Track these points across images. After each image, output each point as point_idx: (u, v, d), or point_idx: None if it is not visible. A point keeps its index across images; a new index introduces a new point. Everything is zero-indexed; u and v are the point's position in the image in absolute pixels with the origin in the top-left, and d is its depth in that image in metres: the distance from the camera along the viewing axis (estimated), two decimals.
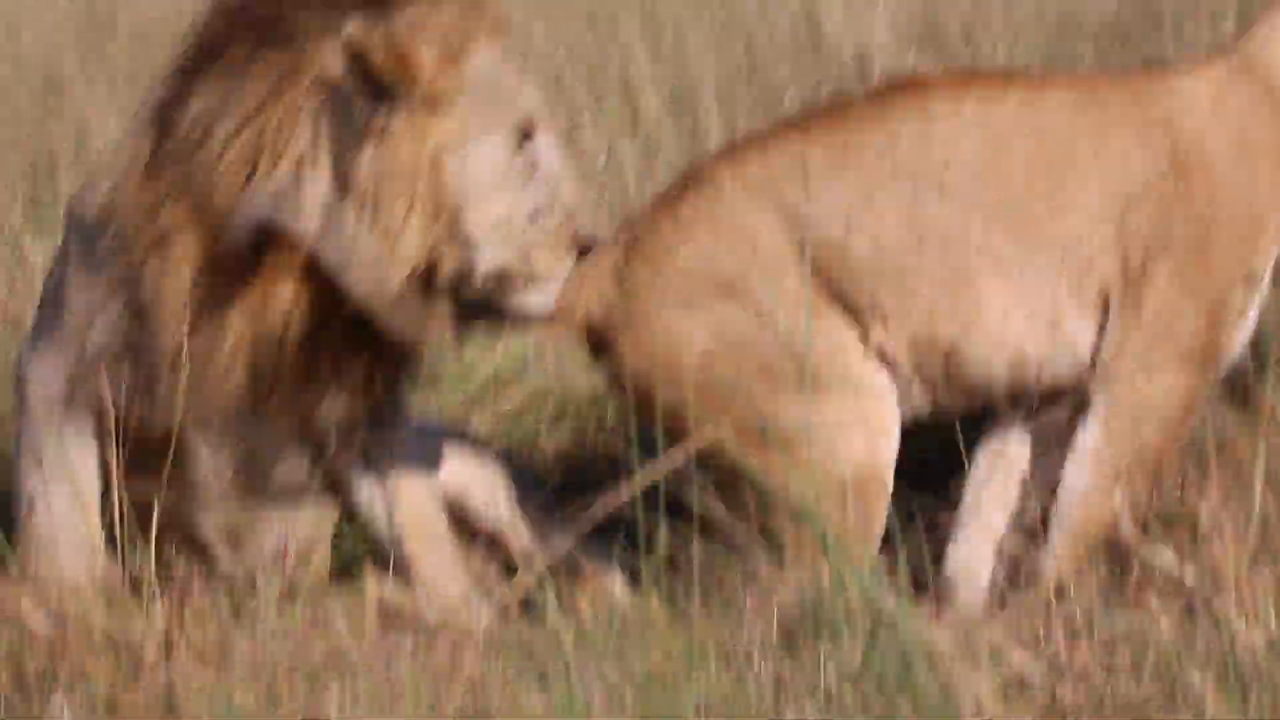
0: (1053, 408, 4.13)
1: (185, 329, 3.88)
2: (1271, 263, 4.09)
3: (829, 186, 3.98)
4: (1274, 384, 4.27)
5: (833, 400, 3.96)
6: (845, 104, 4.22)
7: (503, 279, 3.82)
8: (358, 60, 3.71)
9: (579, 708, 3.23)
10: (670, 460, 3.45)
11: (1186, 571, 3.51)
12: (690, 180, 4.05)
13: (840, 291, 3.99)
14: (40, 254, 6.00)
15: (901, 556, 3.85)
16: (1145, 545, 3.68)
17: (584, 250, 3.86)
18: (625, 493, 3.53)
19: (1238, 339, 4.07)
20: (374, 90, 3.73)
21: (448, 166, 3.77)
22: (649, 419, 3.95)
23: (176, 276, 3.89)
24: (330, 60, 3.77)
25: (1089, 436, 4.02)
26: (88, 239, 3.99)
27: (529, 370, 5.26)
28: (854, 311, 4.01)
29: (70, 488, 4.02)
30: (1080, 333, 3.99)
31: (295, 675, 3.56)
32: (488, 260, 3.80)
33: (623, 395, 4.02)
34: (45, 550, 4.03)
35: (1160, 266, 3.94)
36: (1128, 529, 3.77)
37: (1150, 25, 8.31)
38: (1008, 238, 3.97)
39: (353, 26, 3.71)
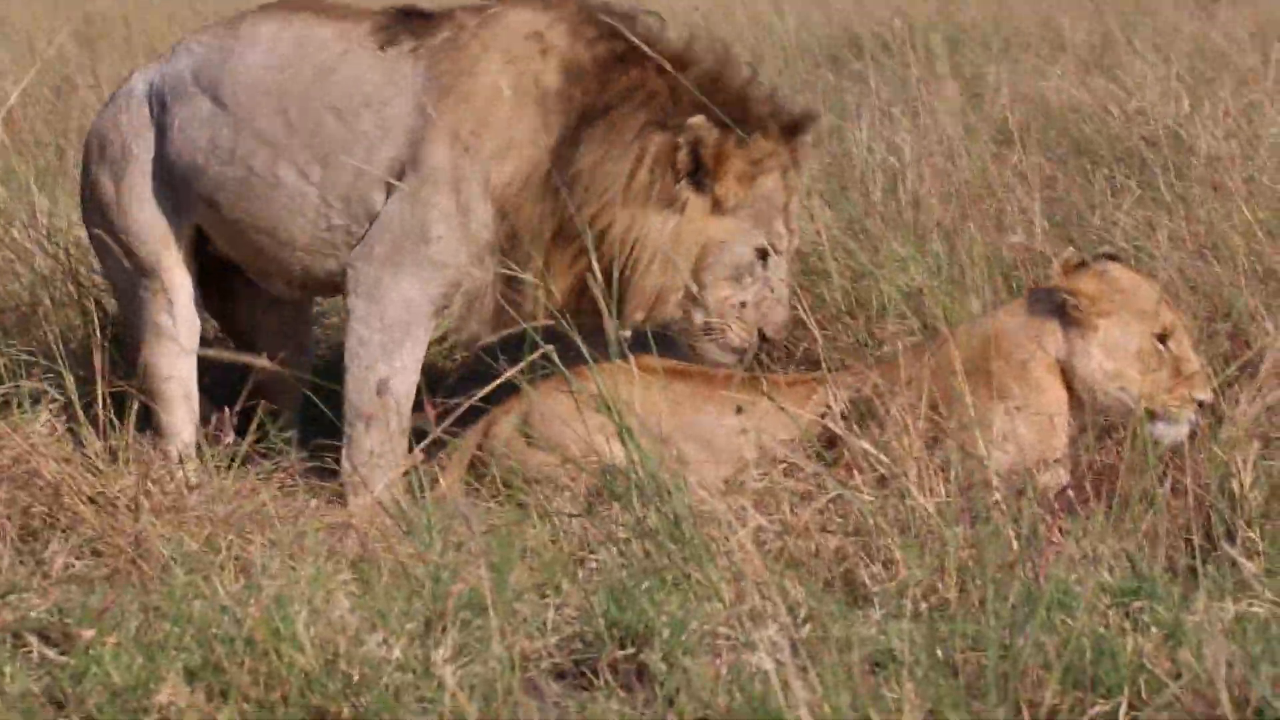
0: None
1: (540, 280, 4.61)
2: None
3: None
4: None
5: None
6: None
7: (707, 330, 4.65)
8: (694, 145, 4.56)
9: (436, 552, 3.67)
10: None
11: (879, 456, 4.06)
12: None
13: None
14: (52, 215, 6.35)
15: None
16: (850, 436, 4.16)
17: (763, 339, 4.69)
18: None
19: None
20: (691, 172, 4.58)
21: (709, 254, 4.62)
22: None
23: (540, 252, 4.62)
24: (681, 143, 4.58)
25: None
26: (466, 201, 4.64)
27: None
28: None
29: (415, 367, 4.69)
30: None
31: (229, 526, 4.08)
32: (701, 318, 4.65)
33: None
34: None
35: None
36: (838, 425, 4.19)
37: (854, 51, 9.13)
38: None
39: (700, 120, 4.54)
